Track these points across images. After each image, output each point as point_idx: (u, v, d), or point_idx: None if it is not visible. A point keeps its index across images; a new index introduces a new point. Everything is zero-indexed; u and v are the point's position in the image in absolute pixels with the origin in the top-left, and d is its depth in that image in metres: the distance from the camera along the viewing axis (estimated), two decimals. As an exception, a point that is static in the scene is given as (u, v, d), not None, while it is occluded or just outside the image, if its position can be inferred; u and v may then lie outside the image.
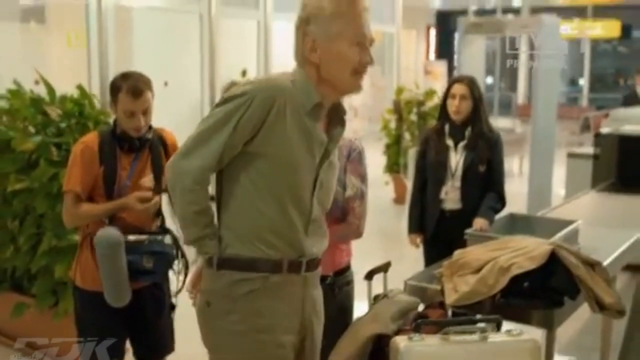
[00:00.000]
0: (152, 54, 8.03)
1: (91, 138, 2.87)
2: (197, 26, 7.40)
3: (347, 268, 2.74)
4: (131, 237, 2.78)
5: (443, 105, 3.78)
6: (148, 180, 2.89)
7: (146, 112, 2.82)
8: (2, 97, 4.17)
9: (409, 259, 3.82)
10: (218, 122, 2.01)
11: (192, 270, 2.37)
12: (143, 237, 2.84)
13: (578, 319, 4.65)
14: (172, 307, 3.10)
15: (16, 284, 4.10)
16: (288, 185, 2.06)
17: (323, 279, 2.51)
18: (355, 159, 2.66)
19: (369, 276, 2.76)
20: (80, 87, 4.04)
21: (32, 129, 3.99)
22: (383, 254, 2.97)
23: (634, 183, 5.34)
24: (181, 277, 2.96)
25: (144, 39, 8.15)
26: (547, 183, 7.06)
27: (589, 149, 6.33)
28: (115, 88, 2.80)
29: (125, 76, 2.83)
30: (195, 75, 7.47)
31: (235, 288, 2.07)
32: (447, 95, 3.74)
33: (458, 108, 3.68)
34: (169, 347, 3.13)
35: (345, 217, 2.64)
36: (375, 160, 8.94)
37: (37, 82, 4.39)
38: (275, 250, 2.07)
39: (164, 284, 3.06)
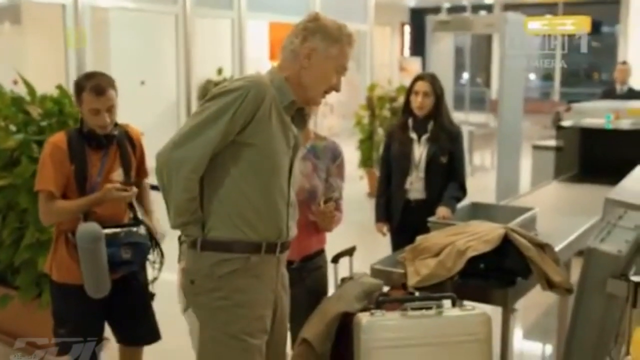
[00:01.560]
0: (128, 53, 8.13)
1: (59, 138, 2.95)
2: (172, 26, 7.51)
3: (316, 255, 2.95)
4: (108, 230, 2.87)
5: (407, 101, 3.98)
6: (117, 175, 2.99)
7: (110, 110, 2.90)
8: (-18, 97, 4.30)
9: (383, 248, 4.01)
10: (214, 114, 2.20)
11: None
12: (118, 229, 2.93)
13: (542, 303, 4.91)
14: (152, 296, 3.19)
15: (0, 277, 4.24)
16: (271, 173, 2.28)
17: (290, 263, 2.72)
18: (341, 164, 2.98)
19: (335, 259, 2.97)
20: (60, 87, 4.17)
21: (13, 128, 4.13)
22: (358, 244, 3.17)
23: (595, 174, 5.53)
24: (157, 266, 3.11)
25: (121, 39, 8.24)
26: (514, 175, 7.29)
27: (553, 142, 6.54)
28: (79, 87, 2.88)
29: (88, 76, 2.92)
30: (171, 74, 7.59)
31: (218, 268, 2.27)
32: (410, 92, 3.94)
33: (421, 104, 3.88)
34: (154, 334, 3.21)
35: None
36: (349, 156, 9.11)
37: (15, 82, 4.51)
38: (256, 233, 2.28)
39: (140, 273, 3.14)
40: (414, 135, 3.93)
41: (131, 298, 3.11)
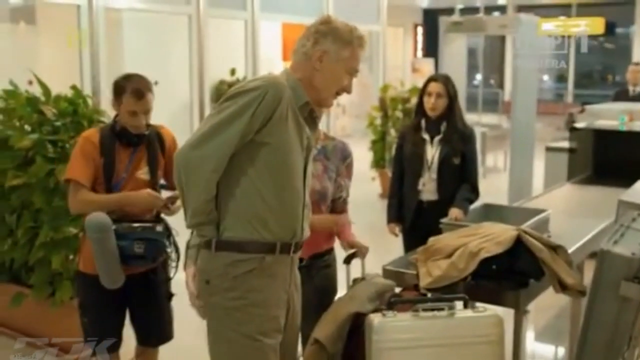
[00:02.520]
0: (142, 54, 8.15)
1: (92, 132, 3.09)
2: (185, 26, 7.52)
3: (326, 253, 2.97)
4: (125, 225, 2.95)
5: (419, 102, 3.97)
6: (143, 172, 3.07)
7: (147, 112, 3.03)
8: (-1, 97, 4.34)
9: (395, 249, 4.00)
10: (233, 114, 2.20)
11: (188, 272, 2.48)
12: (136, 224, 3.00)
13: (554, 305, 4.89)
14: (170, 296, 3.23)
15: (14, 275, 4.27)
16: (286, 173, 2.29)
17: (299, 261, 2.74)
18: (350, 164, 2.99)
19: (348, 260, 2.97)
20: (74, 87, 4.20)
21: (27, 128, 4.17)
22: (370, 245, 3.16)
23: (608, 175, 5.51)
24: (173, 264, 3.16)
25: (134, 39, 8.27)
26: (527, 176, 7.25)
27: (566, 143, 6.51)
28: (119, 88, 3.00)
29: (128, 78, 3.02)
30: (184, 75, 7.59)
31: (234, 268, 2.28)
32: (423, 92, 3.94)
33: (434, 105, 3.87)
34: (166, 334, 3.26)
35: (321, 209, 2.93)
36: (361, 157, 9.13)
37: (30, 83, 4.55)
38: (271, 233, 2.29)
39: (161, 271, 3.19)
40: (426, 136, 3.92)
41: (148, 296, 3.16)
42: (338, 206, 3.01)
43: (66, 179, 3.03)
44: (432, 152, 3.89)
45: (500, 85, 18.81)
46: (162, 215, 3.13)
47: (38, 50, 9.02)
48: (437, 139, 3.90)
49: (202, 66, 7.61)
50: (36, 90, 4.29)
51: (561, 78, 19.38)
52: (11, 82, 4.36)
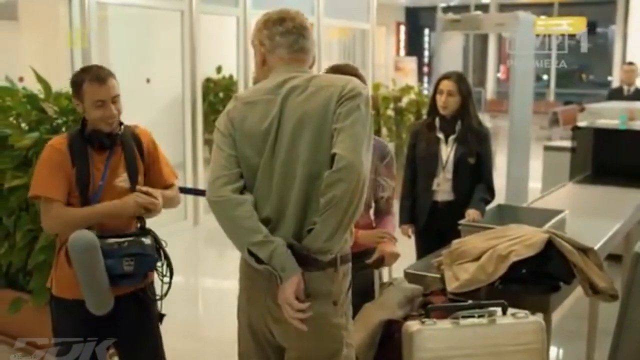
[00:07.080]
0: (133, 51, 7.99)
1: (59, 140, 2.72)
2: (177, 23, 7.36)
3: (366, 253, 2.81)
4: (110, 240, 2.61)
5: (432, 101, 3.90)
6: (122, 180, 2.73)
7: (116, 101, 2.66)
8: (-7, 94, 4.16)
9: (405, 251, 3.90)
10: (369, 122, 2.12)
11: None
12: (122, 239, 2.65)
13: (562, 306, 4.83)
14: (161, 317, 2.88)
15: (11, 280, 4.12)
16: None
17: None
18: (389, 163, 2.91)
19: (375, 265, 2.84)
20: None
21: (25, 126, 4.01)
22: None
23: (609, 175, 5.51)
24: (166, 280, 2.79)
25: (124, 36, 8.09)
26: (524, 177, 7.21)
27: (566, 142, 6.49)
28: (77, 82, 2.65)
29: (84, 69, 2.69)
30: (176, 72, 7.42)
31: (345, 281, 2.19)
32: (435, 90, 3.86)
33: (445, 103, 3.80)
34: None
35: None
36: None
37: (21, 79, 4.40)
38: None
39: (149, 289, 2.84)
40: (441, 135, 3.84)
41: (139, 318, 2.81)
42: (382, 207, 2.92)
43: (34, 196, 2.67)
44: (447, 152, 3.82)
45: (482, 84, 18.88)
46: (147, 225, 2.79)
47: (21, 47, 8.80)
48: (451, 138, 3.82)
49: (194, 63, 7.46)
50: (28, 88, 4.12)
51: (538, 77, 19.51)
52: (7, 79, 4.20)
